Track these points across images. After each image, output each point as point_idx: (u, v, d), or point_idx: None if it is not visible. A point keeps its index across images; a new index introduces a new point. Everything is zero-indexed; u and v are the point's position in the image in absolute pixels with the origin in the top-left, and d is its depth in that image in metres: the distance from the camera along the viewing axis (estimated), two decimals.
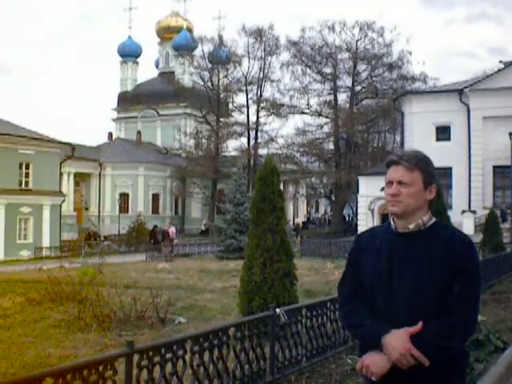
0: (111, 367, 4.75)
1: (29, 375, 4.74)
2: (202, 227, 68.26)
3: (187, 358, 5.57)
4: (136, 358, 5.03)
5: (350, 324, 3.17)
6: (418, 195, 3.01)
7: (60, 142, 48.15)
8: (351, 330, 3.23)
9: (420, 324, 2.82)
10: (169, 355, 5.34)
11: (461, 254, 2.94)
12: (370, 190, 51.53)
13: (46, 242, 45.21)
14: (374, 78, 70.00)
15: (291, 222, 71.42)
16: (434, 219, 3.10)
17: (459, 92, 49.28)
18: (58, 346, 9.64)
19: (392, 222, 3.11)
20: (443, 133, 50.16)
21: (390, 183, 3.07)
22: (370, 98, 71.69)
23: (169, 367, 5.38)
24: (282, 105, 71.87)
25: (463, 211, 43.78)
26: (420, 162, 3.04)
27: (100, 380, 4.64)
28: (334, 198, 72.83)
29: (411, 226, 3.03)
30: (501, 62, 55.55)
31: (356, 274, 3.14)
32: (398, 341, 2.81)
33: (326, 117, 71.37)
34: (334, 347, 8.50)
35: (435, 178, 3.09)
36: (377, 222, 51.47)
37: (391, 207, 3.05)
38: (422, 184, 3.02)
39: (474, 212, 44.28)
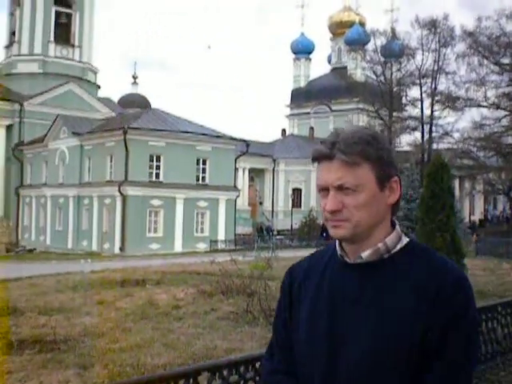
0: None
1: (205, 365, 4.83)
2: None
3: None
4: None
5: None
6: (372, 203, 1.84)
7: (235, 139, 49.41)
8: None
9: None
10: None
11: (453, 302, 1.76)
12: None
13: (221, 235, 46.49)
14: None
15: (467, 220, 68.85)
16: (405, 239, 1.96)
17: None
18: (225, 338, 9.82)
19: (338, 247, 1.95)
20: None
21: (323, 190, 1.85)
22: None
23: None
24: (458, 98, 69.21)
25: None
26: (367, 147, 1.83)
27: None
28: None
29: (365, 255, 1.87)
30: None
31: (286, 328, 2.05)
32: None
33: (505, 109, 68.01)
34: (505, 353, 8.10)
35: (394, 166, 1.90)
36: None
37: (333, 230, 1.85)
38: (375, 183, 1.83)
39: None
